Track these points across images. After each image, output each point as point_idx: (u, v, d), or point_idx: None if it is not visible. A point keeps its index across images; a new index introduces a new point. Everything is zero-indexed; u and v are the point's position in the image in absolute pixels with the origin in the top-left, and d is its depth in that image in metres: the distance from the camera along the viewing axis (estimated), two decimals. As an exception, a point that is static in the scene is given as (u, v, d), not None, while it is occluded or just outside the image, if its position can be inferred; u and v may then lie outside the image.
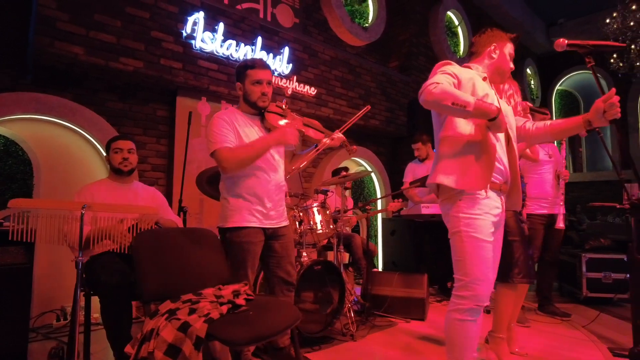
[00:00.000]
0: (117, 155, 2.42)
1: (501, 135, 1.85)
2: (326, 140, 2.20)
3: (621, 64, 6.69)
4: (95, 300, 2.07)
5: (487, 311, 3.26)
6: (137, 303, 2.94)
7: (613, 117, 1.65)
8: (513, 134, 1.93)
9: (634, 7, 6.11)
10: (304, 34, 4.93)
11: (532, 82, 9.41)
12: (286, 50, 4.41)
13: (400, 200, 4.15)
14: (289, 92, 4.45)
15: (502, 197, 1.87)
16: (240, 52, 4.00)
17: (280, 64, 4.36)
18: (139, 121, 3.68)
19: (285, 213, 2.25)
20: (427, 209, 3.97)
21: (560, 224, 3.36)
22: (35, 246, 2.36)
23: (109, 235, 1.98)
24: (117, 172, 2.44)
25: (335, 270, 2.88)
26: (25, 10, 3.13)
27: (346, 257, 4.09)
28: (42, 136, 3.23)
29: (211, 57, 3.81)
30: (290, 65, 4.46)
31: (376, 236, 5.85)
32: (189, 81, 3.66)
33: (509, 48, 1.94)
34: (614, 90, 1.66)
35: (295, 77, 4.52)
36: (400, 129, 5.90)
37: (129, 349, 1.49)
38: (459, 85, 1.75)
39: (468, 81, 1.79)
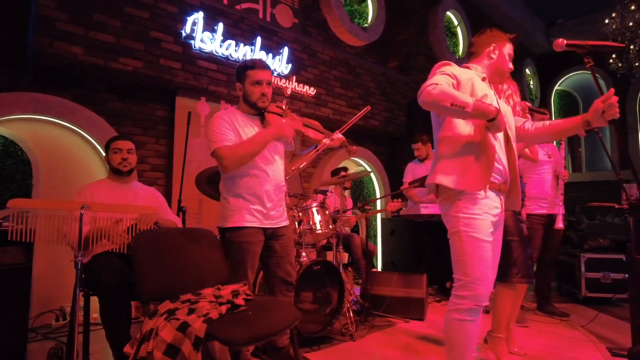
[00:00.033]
0: (116, 155, 2.42)
1: (500, 135, 1.85)
2: (326, 141, 2.20)
3: (620, 64, 6.70)
4: (94, 300, 2.07)
5: (486, 311, 3.26)
6: (136, 303, 2.94)
7: (612, 117, 1.65)
8: (512, 134, 1.93)
9: (632, 7, 6.12)
10: (303, 34, 4.93)
11: (531, 82, 9.42)
12: (285, 50, 4.41)
13: (399, 200, 4.15)
14: (289, 92, 4.45)
15: (502, 197, 1.87)
16: (240, 52, 4.00)
17: (280, 64, 4.37)
18: (139, 121, 3.68)
19: (285, 213, 2.25)
20: (426, 209, 3.97)
21: (560, 224, 3.36)
22: (34, 246, 2.36)
23: (106, 235, 1.98)
24: (116, 172, 2.44)
25: (334, 270, 2.88)
26: (24, 10, 3.13)
27: (345, 257, 4.09)
28: (42, 136, 3.22)
29: (210, 57, 3.81)
30: (290, 65, 4.46)
31: (375, 236, 5.85)
32: (188, 81, 3.66)
33: (508, 48, 1.94)
34: (612, 90, 1.66)
35: (294, 77, 4.52)
36: (400, 129, 5.91)
37: (128, 349, 1.49)
38: (458, 85, 1.75)
39: (467, 82, 1.79)
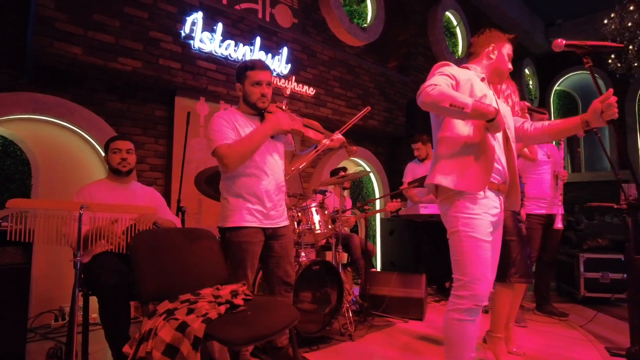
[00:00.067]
0: (115, 155, 2.42)
1: (499, 135, 1.86)
2: (326, 141, 2.20)
3: (619, 65, 6.71)
4: (93, 300, 2.07)
5: (485, 311, 3.26)
6: (135, 303, 2.94)
7: (611, 117, 1.65)
8: (511, 134, 1.94)
9: (631, 8, 6.13)
10: (302, 34, 4.93)
11: (531, 82, 9.43)
12: (285, 50, 4.41)
13: (399, 200, 4.15)
14: (288, 92, 4.45)
15: (501, 197, 1.88)
16: (239, 52, 4.00)
17: (279, 64, 4.37)
18: (138, 121, 3.68)
19: (285, 213, 2.25)
20: (425, 209, 3.98)
21: (559, 224, 3.37)
22: (33, 246, 2.36)
23: (104, 235, 1.98)
24: (115, 172, 2.44)
25: (333, 270, 2.88)
26: (24, 10, 3.13)
27: (344, 257, 4.09)
28: (41, 136, 3.22)
29: (210, 57, 3.81)
30: (289, 65, 4.46)
31: (375, 236, 5.86)
32: (188, 81, 3.66)
33: (507, 49, 1.95)
34: (611, 90, 1.66)
35: (293, 78, 4.52)
36: (399, 129, 5.91)
37: (127, 349, 1.49)
38: (457, 86, 1.76)
39: (466, 82, 1.79)
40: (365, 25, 5.80)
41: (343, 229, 3.62)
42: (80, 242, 1.74)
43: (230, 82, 3.92)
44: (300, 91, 4.57)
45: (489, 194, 1.77)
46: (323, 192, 3.32)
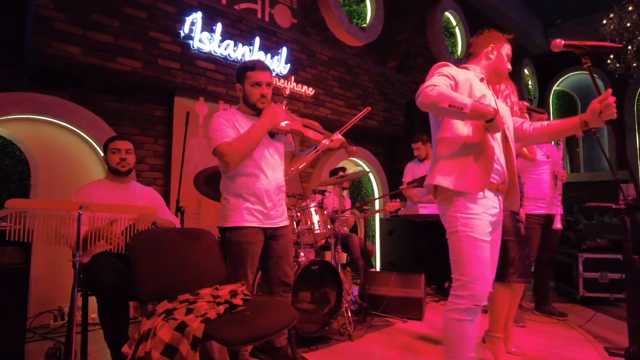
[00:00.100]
0: (114, 155, 2.42)
1: (498, 135, 1.86)
2: (326, 142, 2.21)
3: (618, 65, 6.72)
4: (92, 300, 2.07)
5: (484, 311, 3.26)
6: (134, 303, 2.94)
7: (609, 117, 1.66)
8: (510, 134, 1.94)
9: (630, 8, 6.13)
10: (302, 35, 4.93)
11: (530, 82, 9.44)
12: (284, 50, 4.41)
13: (398, 200, 4.15)
14: (287, 92, 4.45)
15: (500, 197, 1.88)
16: (238, 52, 4.00)
17: (278, 64, 4.37)
18: (137, 121, 3.68)
19: (286, 213, 2.25)
20: (424, 209, 3.98)
21: (558, 224, 3.37)
22: (32, 246, 2.36)
23: (103, 236, 1.99)
24: (114, 173, 2.44)
25: (332, 270, 2.88)
26: (23, 10, 3.13)
27: (344, 257, 4.09)
28: (40, 136, 3.22)
29: (209, 57, 3.81)
30: (288, 65, 4.46)
31: (374, 236, 5.86)
32: (187, 81, 3.66)
33: (506, 49, 1.95)
34: (610, 91, 1.66)
35: (293, 78, 4.52)
36: (398, 129, 5.91)
37: (126, 349, 1.49)
38: (456, 86, 1.76)
39: (465, 82, 1.80)
40: (365, 25, 5.81)
41: (342, 229, 3.62)
42: (79, 242, 1.74)
43: (229, 82, 3.92)
44: (299, 91, 4.57)
45: (488, 194, 1.78)
46: (322, 192, 3.33)
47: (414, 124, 5.82)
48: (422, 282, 3.36)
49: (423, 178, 3.37)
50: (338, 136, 2.25)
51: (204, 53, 3.77)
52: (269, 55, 4.27)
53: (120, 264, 2.07)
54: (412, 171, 4.29)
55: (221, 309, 1.55)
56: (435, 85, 1.62)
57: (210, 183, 2.92)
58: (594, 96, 1.71)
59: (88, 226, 1.91)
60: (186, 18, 3.64)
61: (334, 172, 3.80)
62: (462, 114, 1.60)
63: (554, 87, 9.72)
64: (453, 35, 7.19)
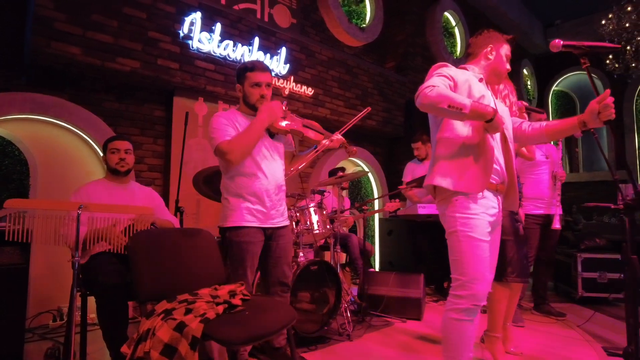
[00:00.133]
0: (113, 155, 2.42)
1: (497, 135, 1.86)
2: (326, 142, 2.21)
3: (617, 65, 6.73)
4: (91, 301, 2.07)
5: (483, 311, 3.27)
6: (133, 303, 2.94)
7: (607, 118, 1.66)
8: (509, 135, 1.94)
9: (629, 8, 6.15)
10: (301, 35, 4.93)
11: (529, 82, 9.45)
12: (283, 50, 4.41)
13: (397, 200, 4.15)
14: (286, 92, 4.45)
15: (499, 197, 1.88)
16: (238, 52, 4.00)
17: (278, 64, 4.37)
18: (136, 121, 3.67)
19: (286, 213, 2.25)
20: (423, 209, 3.98)
21: (557, 224, 3.38)
22: (31, 246, 2.36)
23: (104, 237, 1.99)
24: (113, 173, 2.44)
25: (332, 270, 2.88)
26: (22, 10, 3.13)
27: (343, 257, 4.10)
28: (39, 136, 3.22)
29: (208, 58, 3.81)
30: (288, 65, 4.46)
31: (373, 236, 5.86)
32: (186, 81, 3.66)
33: (505, 49, 1.95)
34: (608, 91, 1.67)
35: (292, 78, 4.52)
36: (397, 129, 5.92)
37: (125, 349, 1.49)
38: (455, 87, 1.76)
39: (464, 83, 1.80)
40: (364, 25, 5.81)
41: (341, 229, 3.62)
42: (78, 243, 1.74)
43: (228, 82, 3.92)
44: (298, 91, 4.58)
45: (487, 194, 1.78)
46: (321, 192, 3.33)
47: (413, 124, 5.83)
48: (421, 282, 3.36)
49: (423, 178, 3.38)
50: (338, 136, 2.25)
51: (203, 53, 3.77)
52: (268, 55, 4.27)
53: (119, 264, 2.07)
54: (411, 171, 4.29)
55: (220, 309, 1.55)
56: (434, 86, 1.62)
57: (209, 183, 2.93)
58: (593, 96, 1.71)
59: (87, 226, 1.91)
60: (185, 18, 3.64)
61: (333, 172, 3.81)
62: (462, 114, 1.60)
63: (553, 88, 9.73)
64: (452, 35, 7.20)
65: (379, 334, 2.96)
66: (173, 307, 1.54)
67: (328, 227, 3.08)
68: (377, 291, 3.40)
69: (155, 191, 2.65)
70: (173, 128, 3.76)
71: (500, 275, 2.35)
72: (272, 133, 2.18)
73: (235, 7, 4.39)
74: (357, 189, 5.92)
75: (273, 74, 4.32)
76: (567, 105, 9.73)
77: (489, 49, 1.93)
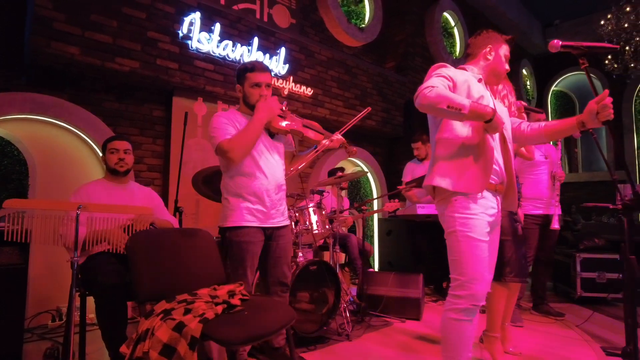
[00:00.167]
0: (113, 155, 2.42)
1: (496, 136, 1.87)
2: (325, 142, 2.21)
3: (616, 65, 6.74)
4: (90, 301, 2.07)
5: (482, 311, 3.27)
6: (132, 303, 2.94)
7: (606, 118, 1.66)
8: (508, 135, 1.95)
9: (628, 8, 6.16)
10: (300, 35, 4.93)
11: (528, 82, 9.45)
12: (282, 50, 4.41)
13: (397, 200, 4.15)
14: (286, 92, 4.45)
15: (498, 197, 1.89)
16: (237, 52, 4.00)
17: (277, 64, 4.37)
18: (135, 121, 3.67)
19: (286, 212, 2.26)
20: (422, 209, 3.98)
21: (555, 224, 3.38)
22: (30, 247, 2.36)
23: (106, 239, 1.99)
24: (113, 173, 2.44)
25: (331, 270, 2.88)
26: (21, 10, 3.13)
27: (342, 257, 4.10)
28: (38, 136, 3.22)
29: (207, 58, 3.81)
30: (287, 65, 4.46)
31: (372, 236, 5.86)
32: (185, 81, 3.66)
33: (504, 50, 1.96)
34: (606, 91, 1.67)
35: (291, 78, 4.53)
36: (397, 129, 5.92)
37: (124, 349, 1.49)
38: (454, 87, 1.77)
39: (463, 83, 1.80)
40: (363, 25, 5.81)
41: (341, 229, 3.62)
42: (77, 243, 1.74)
43: (227, 82, 3.92)
44: (298, 91, 4.58)
45: (486, 194, 1.78)
46: (321, 193, 3.33)
47: (412, 124, 5.83)
48: (420, 282, 3.36)
49: (422, 178, 3.38)
50: (338, 136, 2.25)
51: (203, 53, 3.77)
52: (267, 55, 4.27)
53: (118, 264, 2.07)
54: (411, 171, 4.29)
55: (219, 309, 1.55)
56: (433, 87, 1.63)
57: (208, 183, 2.93)
58: (592, 96, 1.72)
59: (86, 226, 1.91)
60: (185, 18, 3.64)
61: (332, 172, 3.81)
62: (461, 114, 1.60)
63: (552, 88, 9.75)
64: (451, 35, 7.20)
65: (378, 334, 2.96)
66: (172, 307, 1.54)
67: (327, 227, 3.08)
68: (376, 291, 3.40)
69: (154, 191, 2.65)
70: (172, 128, 3.76)
71: (499, 275, 2.35)
72: (272, 133, 2.19)
73: (235, 7, 4.39)
74: (356, 189, 5.93)
75: (272, 74, 4.31)
76: (566, 106, 9.74)
77: (488, 49, 1.94)
